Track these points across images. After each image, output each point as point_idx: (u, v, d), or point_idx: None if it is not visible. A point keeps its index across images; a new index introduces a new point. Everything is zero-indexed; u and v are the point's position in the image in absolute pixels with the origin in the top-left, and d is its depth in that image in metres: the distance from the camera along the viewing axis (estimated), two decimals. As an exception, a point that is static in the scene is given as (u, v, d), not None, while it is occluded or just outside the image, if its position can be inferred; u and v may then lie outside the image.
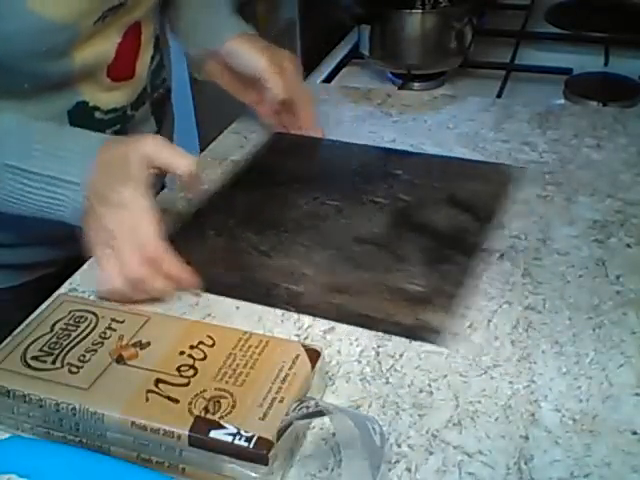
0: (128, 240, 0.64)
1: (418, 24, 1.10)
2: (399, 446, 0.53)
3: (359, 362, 0.60)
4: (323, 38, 1.38)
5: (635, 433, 0.53)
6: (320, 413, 0.48)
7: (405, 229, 0.74)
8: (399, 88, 1.13)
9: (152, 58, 0.81)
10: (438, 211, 0.76)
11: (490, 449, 0.52)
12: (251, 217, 0.77)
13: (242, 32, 0.87)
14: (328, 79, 1.18)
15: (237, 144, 0.93)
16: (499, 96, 1.08)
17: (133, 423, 0.50)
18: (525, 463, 0.51)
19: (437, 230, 0.74)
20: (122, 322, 0.58)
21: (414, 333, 0.62)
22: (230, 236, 0.74)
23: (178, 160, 0.66)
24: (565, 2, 1.41)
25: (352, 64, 1.24)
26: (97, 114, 0.76)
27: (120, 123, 0.79)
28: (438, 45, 1.12)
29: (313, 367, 0.54)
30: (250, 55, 0.85)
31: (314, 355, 0.55)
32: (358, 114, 0.98)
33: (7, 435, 0.54)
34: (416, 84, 1.15)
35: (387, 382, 0.58)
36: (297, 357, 0.55)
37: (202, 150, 0.94)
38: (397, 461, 0.52)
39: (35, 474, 0.51)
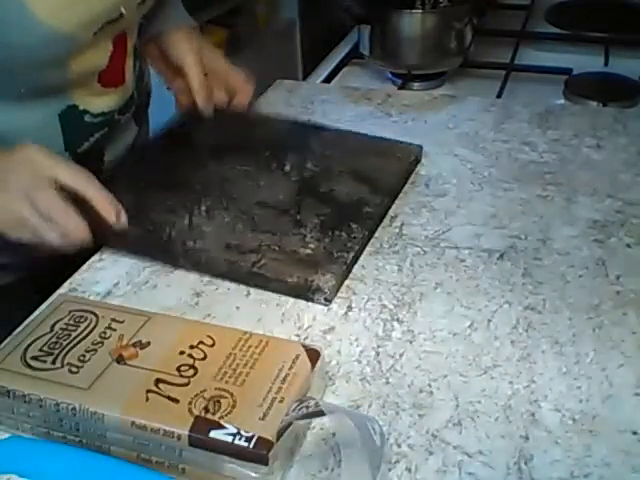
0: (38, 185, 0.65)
1: (418, 24, 1.10)
2: (399, 446, 0.53)
3: (359, 362, 0.60)
4: (323, 38, 1.38)
5: (635, 433, 0.53)
6: (320, 413, 0.48)
7: (308, 197, 0.77)
8: (399, 88, 1.13)
9: (134, 64, 0.83)
10: (342, 182, 0.80)
11: (490, 449, 0.52)
12: (162, 178, 0.80)
13: (185, 25, 0.90)
14: (328, 79, 1.18)
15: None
16: (499, 96, 1.08)
17: (133, 423, 0.50)
18: (525, 463, 0.51)
19: (337, 200, 0.77)
20: (122, 322, 0.58)
21: (298, 292, 0.66)
22: (140, 194, 0.77)
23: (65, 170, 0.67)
24: (565, 2, 1.41)
25: (352, 64, 1.24)
26: (87, 117, 0.78)
27: (108, 126, 0.81)
28: (438, 45, 1.12)
29: (313, 367, 0.54)
30: (180, 46, 0.88)
31: (314, 355, 0.55)
32: (358, 114, 0.98)
33: (7, 435, 0.54)
34: (416, 84, 1.15)
35: (387, 382, 0.58)
36: (297, 357, 0.55)
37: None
38: (397, 461, 0.52)
39: (35, 474, 0.51)
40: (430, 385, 0.57)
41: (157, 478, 0.50)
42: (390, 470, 0.51)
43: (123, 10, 0.72)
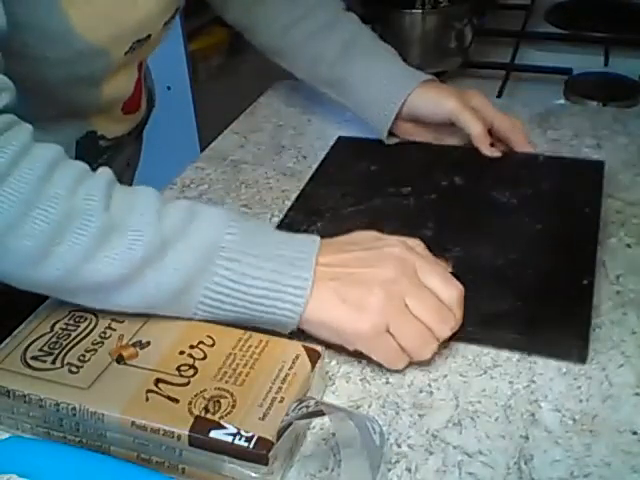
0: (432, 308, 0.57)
1: (418, 24, 1.10)
2: (399, 446, 0.53)
3: (359, 362, 0.60)
4: (323, 38, 1.38)
5: (635, 433, 0.53)
6: (320, 413, 0.48)
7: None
8: (399, 88, 1.13)
9: (144, 87, 0.84)
10: None
11: (490, 449, 0.52)
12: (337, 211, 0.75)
13: (421, 81, 0.85)
14: (328, 79, 1.18)
15: (237, 144, 0.93)
16: (499, 96, 1.08)
17: (133, 423, 0.50)
18: (525, 463, 0.51)
19: None
20: (122, 322, 0.58)
21: None
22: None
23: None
24: (565, 2, 1.41)
25: (352, 64, 1.24)
26: (102, 142, 0.78)
27: (116, 148, 0.81)
28: (438, 45, 1.12)
29: (313, 367, 0.54)
30: (437, 101, 0.84)
31: (314, 355, 0.55)
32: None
33: (7, 435, 0.54)
34: (416, 84, 1.15)
35: (387, 382, 0.58)
36: (297, 357, 0.55)
37: (202, 150, 0.94)
38: (397, 461, 0.52)
39: (35, 474, 0.51)
40: (430, 385, 0.57)
41: (157, 478, 0.50)
42: (390, 470, 0.51)
43: (149, 31, 0.71)
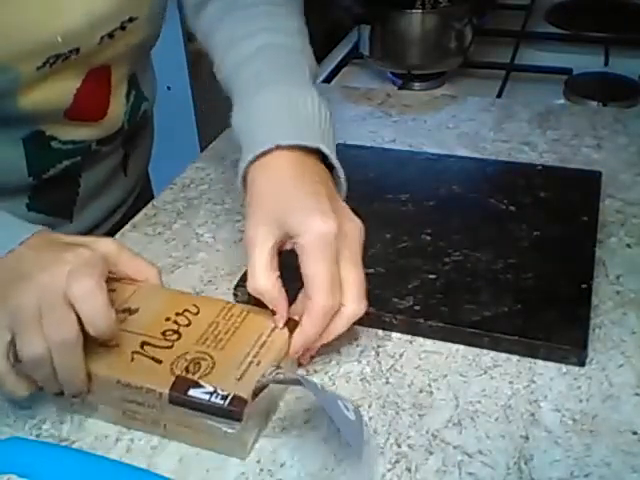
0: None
1: (418, 24, 1.10)
2: (399, 446, 0.53)
3: (359, 362, 0.60)
4: (323, 38, 1.38)
5: (635, 433, 0.53)
6: (296, 382, 0.51)
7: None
8: (399, 88, 1.13)
9: (127, 95, 0.76)
10: None
11: (490, 449, 0.52)
12: None
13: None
14: (328, 79, 1.18)
15: (237, 144, 0.93)
16: (499, 96, 1.08)
17: (118, 381, 0.52)
18: (525, 463, 0.51)
19: None
20: (113, 291, 0.58)
21: None
22: None
23: (143, 267, 0.59)
24: (565, 2, 1.41)
25: (352, 64, 1.24)
26: (54, 143, 0.71)
27: (81, 155, 0.74)
28: (438, 45, 1.12)
29: (291, 335, 0.56)
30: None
31: (292, 324, 0.57)
32: (358, 114, 0.98)
33: (7, 435, 0.54)
34: (416, 84, 1.15)
35: (387, 382, 0.58)
36: (276, 326, 0.57)
37: (202, 150, 0.94)
38: (397, 461, 0.52)
39: (35, 474, 0.51)
40: (430, 385, 0.57)
41: (157, 478, 0.50)
42: (390, 470, 0.51)
43: (76, 44, 0.64)
